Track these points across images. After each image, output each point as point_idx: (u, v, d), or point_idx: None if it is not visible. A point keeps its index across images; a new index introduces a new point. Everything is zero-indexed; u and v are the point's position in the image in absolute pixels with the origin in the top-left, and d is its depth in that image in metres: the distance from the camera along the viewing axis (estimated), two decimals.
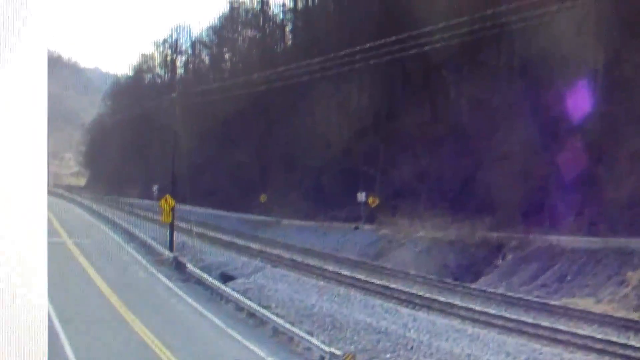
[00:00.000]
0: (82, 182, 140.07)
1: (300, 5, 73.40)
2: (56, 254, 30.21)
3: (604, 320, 22.60)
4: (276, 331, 19.17)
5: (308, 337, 17.70)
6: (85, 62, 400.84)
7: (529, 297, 27.16)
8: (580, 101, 33.56)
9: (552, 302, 25.97)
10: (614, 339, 19.95)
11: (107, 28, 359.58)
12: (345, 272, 32.67)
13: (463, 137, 41.06)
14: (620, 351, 18.71)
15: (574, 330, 20.97)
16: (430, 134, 44.92)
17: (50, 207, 2.64)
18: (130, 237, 42.58)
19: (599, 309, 24.77)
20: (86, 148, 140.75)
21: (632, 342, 19.57)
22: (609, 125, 33.30)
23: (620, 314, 23.81)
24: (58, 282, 23.05)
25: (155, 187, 59.44)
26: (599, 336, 20.12)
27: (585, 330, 21.26)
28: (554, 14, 29.59)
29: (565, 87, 34.11)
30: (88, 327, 19.23)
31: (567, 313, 23.88)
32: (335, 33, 54.32)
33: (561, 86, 34.32)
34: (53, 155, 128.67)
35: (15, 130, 2.51)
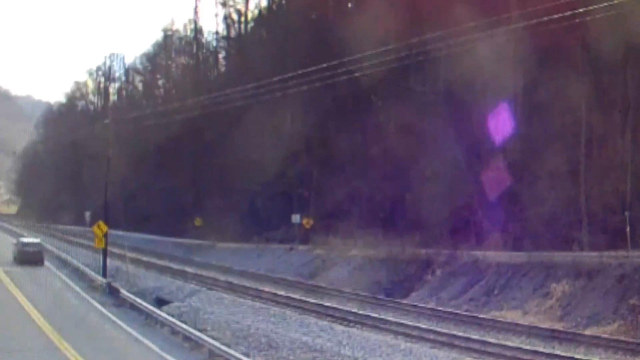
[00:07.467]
0: (13, 210, 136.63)
1: (233, 32, 74.18)
2: None
3: (531, 331, 23.64)
4: (212, 354, 19.28)
5: (244, 358, 17.94)
6: (17, 89, 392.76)
7: (459, 311, 28.07)
8: (501, 124, 35.28)
9: (481, 315, 26.99)
10: (541, 349, 20.91)
11: (39, 56, 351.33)
12: (281, 292, 33.15)
13: (392, 159, 42.36)
14: None
15: (503, 342, 21.87)
16: (361, 156, 46.12)
17: None
18: (63, 263, 41.82)
19: (526, 320, 25.88)
20: (18, 176, 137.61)
21: (558, 351, 20.59)
22: (529, 146, 35.07)
23: (546, 324, 24.95)
24: None
25: (88, 214, 58.57)
26: (527, 347, 21.07)
27: (514, 341, 22.21)
28: (476, 42, 31.09)
29: (488, 110, 35.78)
30: (16, 356, 18.93)
31: (496, 325, 24.83)
32: (268, 60, 55.19)
33: (483, 110, 35.97)
34: None
35: None
